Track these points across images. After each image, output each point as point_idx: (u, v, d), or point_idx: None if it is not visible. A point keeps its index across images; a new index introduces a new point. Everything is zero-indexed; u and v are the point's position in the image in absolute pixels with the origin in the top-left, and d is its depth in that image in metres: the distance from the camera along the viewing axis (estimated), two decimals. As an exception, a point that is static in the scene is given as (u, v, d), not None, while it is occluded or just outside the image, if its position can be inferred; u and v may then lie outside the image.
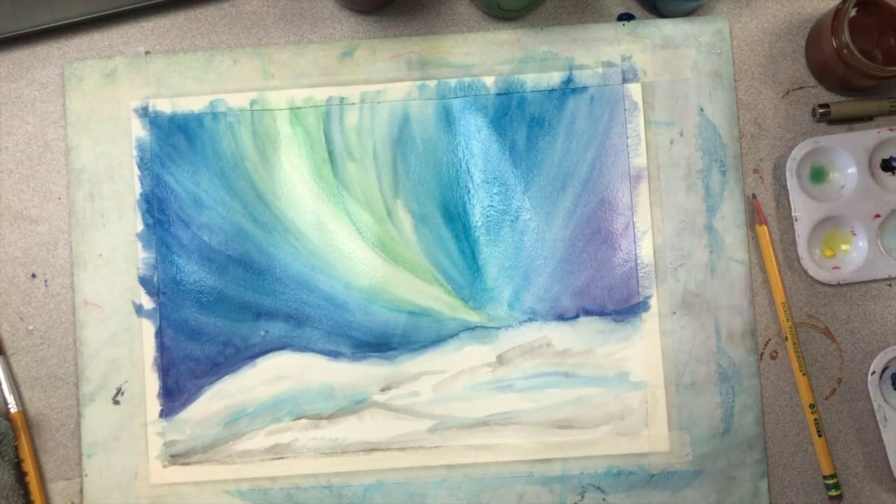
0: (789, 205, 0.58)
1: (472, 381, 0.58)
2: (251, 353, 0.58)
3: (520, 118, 0.59)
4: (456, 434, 0.58)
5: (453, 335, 0.58)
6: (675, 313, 0.58)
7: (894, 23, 0.57)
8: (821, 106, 0.58)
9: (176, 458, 0.58)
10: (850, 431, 0.58)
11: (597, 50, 0.59)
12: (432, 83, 0.59)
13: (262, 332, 0.58)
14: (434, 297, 0.58)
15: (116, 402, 0.58)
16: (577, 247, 0.59)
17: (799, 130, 0.60)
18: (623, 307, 0.58)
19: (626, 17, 0.60)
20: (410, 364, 0.58)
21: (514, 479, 0.58)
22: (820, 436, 0.57)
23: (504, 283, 0.58)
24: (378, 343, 0.58)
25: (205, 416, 0.58)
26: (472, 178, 0.59)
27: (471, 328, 0.58)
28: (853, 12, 0.56)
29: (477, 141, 0.59)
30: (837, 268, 0.58)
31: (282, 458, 0.58)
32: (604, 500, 0.57)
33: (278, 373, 0.58)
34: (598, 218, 0.59)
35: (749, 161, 0.60)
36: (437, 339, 0.58)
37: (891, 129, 0.58)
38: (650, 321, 0.58)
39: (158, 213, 0.59)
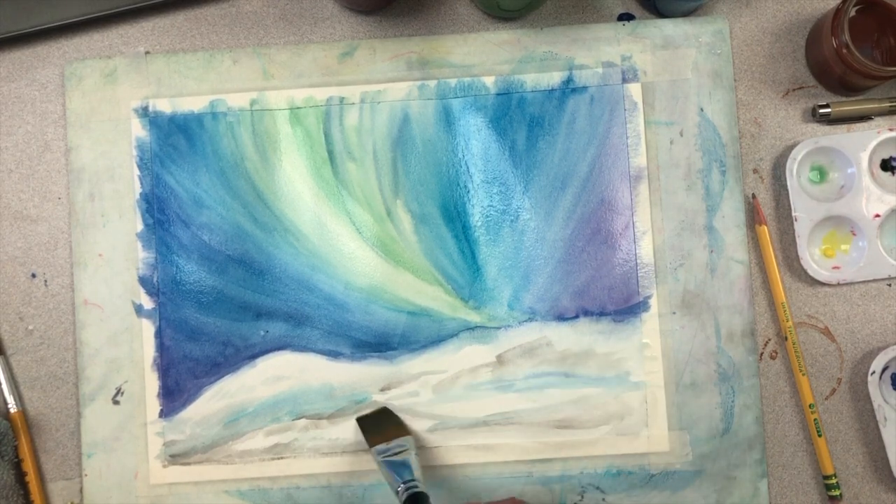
0: (789, 205, 0.58)
1: (472, 381, 0.58)
2: (251, 353, 0.58)
3: (520, 118, 0.59)
4: (456, 434, 0.58)
5: (453, 335, 0.58)
6: (675, 313, 0.58)
7: (894, 23, 0.57)
8: (821, 106, 0.59)
9: (176, 457, 0.58)
10: (850, 431, 0.58)
11: (597, 50, 0.59)
12: (432, 83, 0.59)
13: (262, 332, 0.58)
14: (434, 297, 0.58)
15: (116, 402, 0.58)
16: (576, 247, 0.59)
17: (799, 130, 0.60)
18: (623, 307, 0.58)
19: (626, 17, 0.60)
20: (410, 364, 0.58)
21: (514, 479, 0.58)
22: (820, 436, 0.57)
23: (504, 283, 0.58)
24: (378, 343, 0.58)
25: (205, 416, 0.58)
26: (471, 178, 0.59)
27: (471, 328, 0.58)
28: (853, 12, 0.56)
29: (477, 141, 0.59)
30: (837, 268, 0.58)
31: (282, 458, 0.58)
32: (603, 500, 0.57)
33: (278, 373, 0.58)
34: (597, 218, 0.59)
35: (749, 161, 0.60)
36: (436, 339, 0.58)
37: (891, 129, 0.58)
38: (650, 321, 0.58)
39: (158, 213, 0.59)
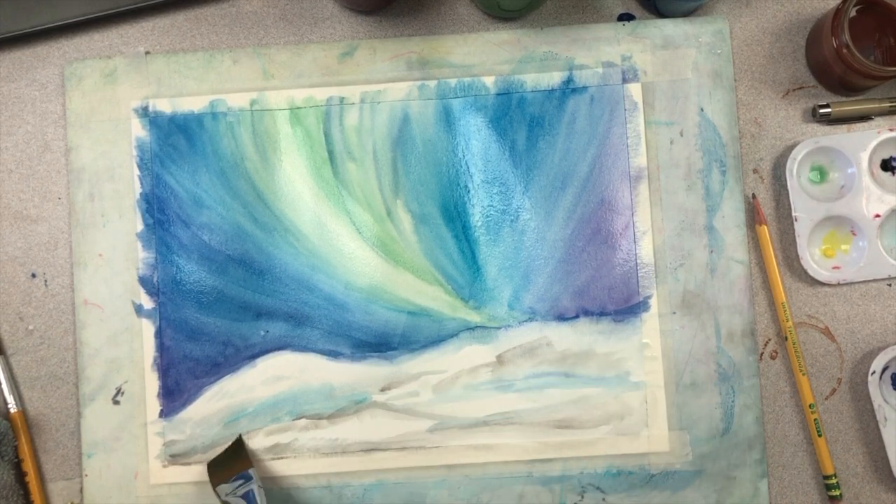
0: (789, 205, 0.58)
1: (472, 381, 0.58)
2: (251, 353, 0.58)
3: (520, 118, 0.59)
4: (456, 434, 0.58)
5: (453, 335, 0.58)
6: (675, 313, 0.58)
7: (894, 23, 0.57)
8: (821, 106, 0.59)
9: (176, 457, 0.58)
10: (850, 431, 0.58)
11: (597, 50, 0.59)
12: (432, 83, 0.59)
13: (262, 332, 0.58)
14: (434, 297, 0.58)
15: (116, 402, 0.58)
16: (577, 247, 0.59)
17: (799, 130, 0.60)
18: (623, 307, 0.58)
19: (626, 17, 0.60)
20: (410, 364, 0.58)
21: (514, 479, 0.58)
22: (820, 436, 0.57)
23: (504, 283, 0.58)
24: (378, 343, 0.58)
25: (205, 416, 0.58)
26: (472, 178, 0.59)
27: (471, 328, 0.58)
28: (853, 12, 0.56)
29: (477, 141, 0.59)
30: (837, 268, 0.58)
31: (282, 458, 0.58)
32: (604, 500, 0.57)
33: (278, 373, 0.58)
34: (598, 218, 0.59)
35: (749, 161, 0.60)
36: (437, 339, 0.58)
37: (891, 129, 0.58)
38: (650, 321, 0.58)
39: (158, 213, 0.59)
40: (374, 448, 0.58)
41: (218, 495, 0.53)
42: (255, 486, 0.53)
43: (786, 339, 0.58)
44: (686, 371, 0.58)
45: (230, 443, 0.57)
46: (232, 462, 0.56)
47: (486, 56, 0.59)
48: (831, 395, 0.58)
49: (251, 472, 0.54)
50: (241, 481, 0.53)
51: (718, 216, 0.58)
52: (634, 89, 0.59)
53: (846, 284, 0.59)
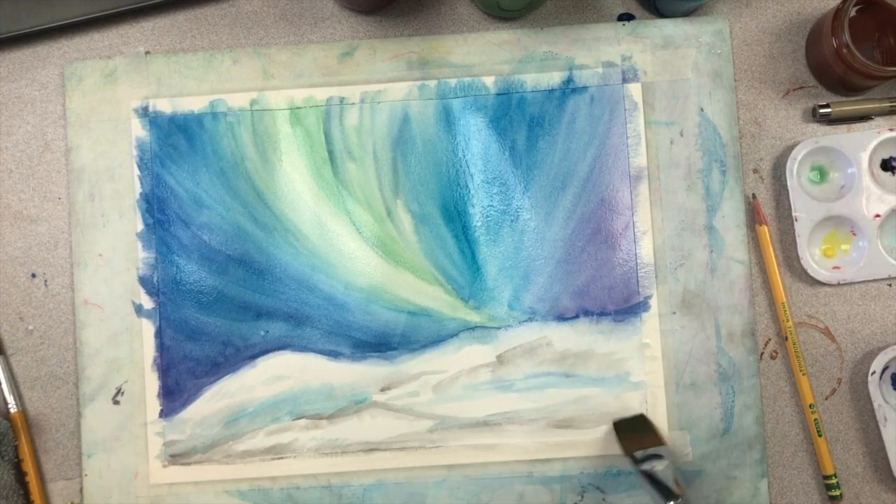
0: (789, 205, 0.58)
1: (472, 381, 0.58)
2: (251, 353, 0.58)
3: (520, 118, 0.59)
4: (456, 434, 0.58)
5: (453, 335, 0.58)
6: (675, 313, 0.58)
7: (894, 23, 0.57)
8: (821, 106, 0.59)
9: (176, 457, 0.58)
10: (850, 431, 0.58)
11: (597, 50, 0.59)
12: (432, 83, 0.59)
13: (262, 332, 0.58)
14: (434, 297, 0.58)
15: (116, 402, 0.58)
16: (577, 247, 0.59)
17: (799, 130, 0.60)
18: (623, 307, 0.58)
19: (626, 17, 0.60)
20: (410, 364, 0.58)
21: (514, 479, 0.58)
22: (820, 436, 0.57)
23: (504, 283, 0.58)
24: (378, 343, 0.58)
25: (205, 416, 0.58)
26: (472, 178, 0.59)
27: (471, 328, 0.58)
28: (853, 12, 0.56)
29: (477, 141, 0.59)
30: (837, 268, 0.58)
31: (282, 458, 0.58)
32: (604, 500, 0.57)
33: (278, 373, 0.58)
34: (598, 218, 0.59)
35: (749, 161, 0.60)
36: (437, 339, 0.58)
37: (891, 129, 0.58)
38: (650, 321, 0.58)
39: (158, 212, 0.59)
40: (374, 448, 0.58)
41: (634, 460, 0.52)
42: (668, 466, 0.52)
43: (786, 339, 0.58)
44: (686, 371, 0.58)
45: (632, 414, 0.57)
46: (645, 432, 0.55)
47: (486, 56, 0.59)
48: (831, 395, 0.58)
49: (665, 449, 0.53)
50: (656, 458, 0.52)
51: (718, 216, 0.58)
52: (634, 89, 0.59)
53: (846, 284, 0.59)
